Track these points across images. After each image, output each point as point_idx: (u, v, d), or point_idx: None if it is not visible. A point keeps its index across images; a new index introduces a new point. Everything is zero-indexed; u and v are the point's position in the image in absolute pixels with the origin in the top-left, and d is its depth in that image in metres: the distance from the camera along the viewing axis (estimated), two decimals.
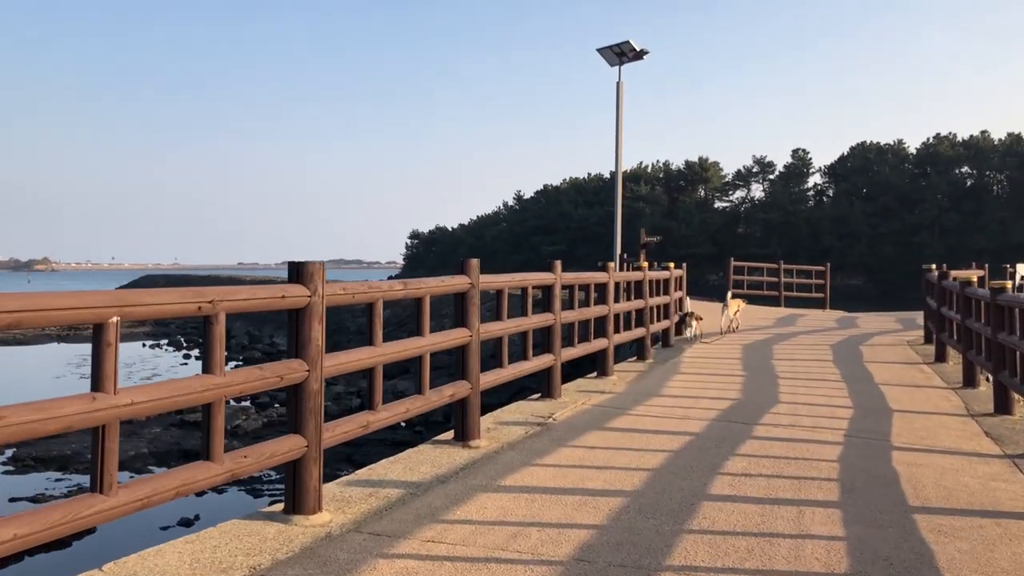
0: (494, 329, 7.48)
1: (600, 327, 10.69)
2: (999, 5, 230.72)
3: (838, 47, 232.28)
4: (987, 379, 10.33)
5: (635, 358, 12.68)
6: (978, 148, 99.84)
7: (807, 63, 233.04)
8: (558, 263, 9.23)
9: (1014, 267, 29.03)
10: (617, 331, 11.28)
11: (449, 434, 6.99)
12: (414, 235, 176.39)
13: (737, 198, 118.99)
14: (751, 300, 25.86)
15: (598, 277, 10.53)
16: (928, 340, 14.76)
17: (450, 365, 7.75)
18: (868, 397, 9.61)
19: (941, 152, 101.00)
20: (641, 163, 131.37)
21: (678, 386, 10.23)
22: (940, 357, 12.75)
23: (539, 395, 8.96)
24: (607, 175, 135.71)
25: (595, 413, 8.23)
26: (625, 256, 23.14)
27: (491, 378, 7.33)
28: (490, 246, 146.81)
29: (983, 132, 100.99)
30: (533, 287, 8.61)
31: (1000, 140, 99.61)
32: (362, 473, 5.92)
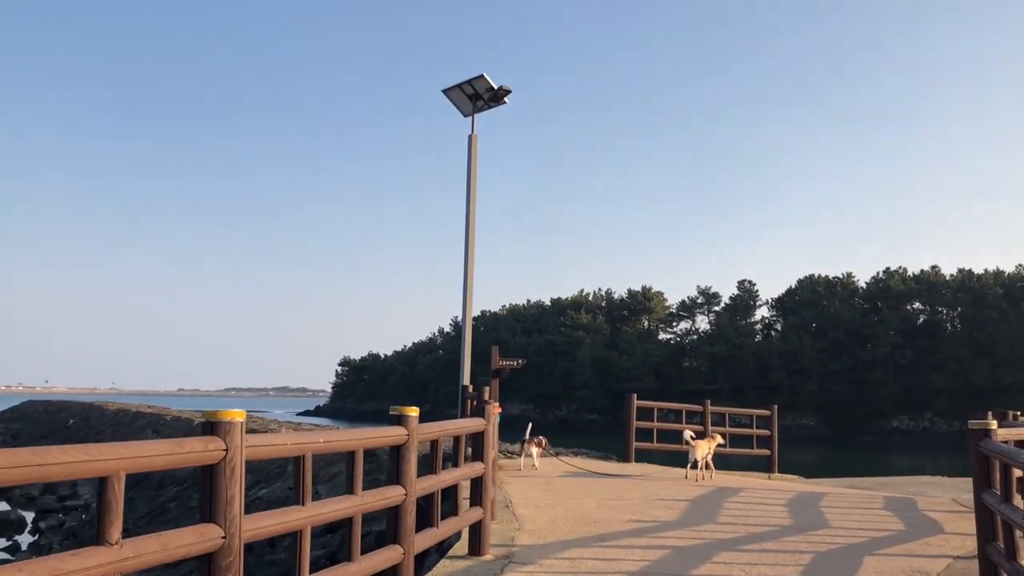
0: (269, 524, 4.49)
1: None
2: (938, 140, 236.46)
3: (782, 176, 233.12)
4: None
5: None
6: (929, 283, 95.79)
7: (752, 192, 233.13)
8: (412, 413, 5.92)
9: None
10: None
11: None
12: (344, 362, 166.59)
13: (682, 329, 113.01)
14: (658, 458, 17.81)
15: None
16: None
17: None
18: None
19: (891, 287, 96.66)
20: (582, 290, 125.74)
21: None
22: None
23: None
24: (547, 302, 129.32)
25: None
26: (471, 389, 15.13)
27: None
28: (423, 375, 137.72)
29: (933, 267, 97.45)
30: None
31: (951, 276, 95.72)
32: None
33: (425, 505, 7.45)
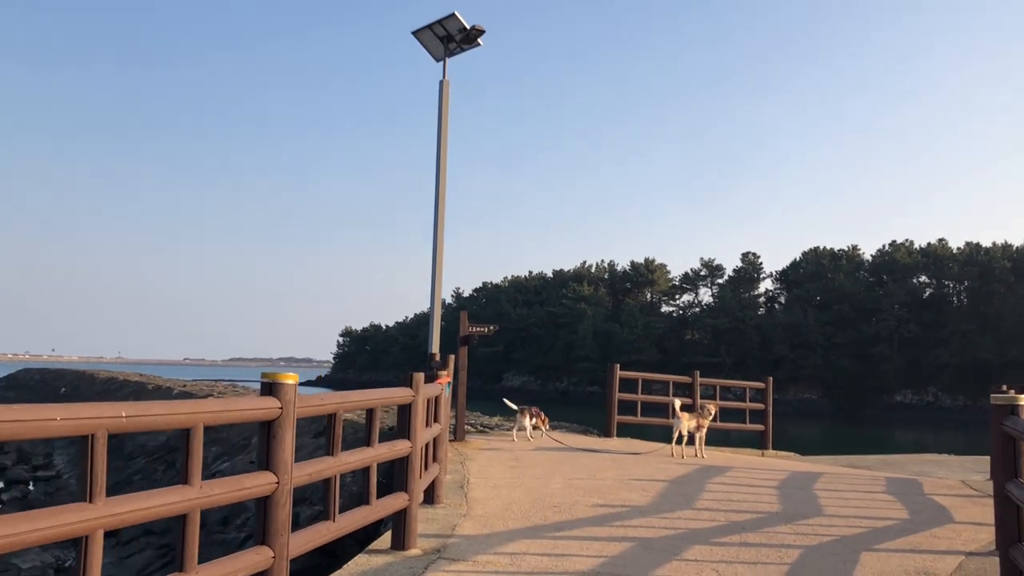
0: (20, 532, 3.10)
1: None
2: (945, 111, 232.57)
3: (787, 148, 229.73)
4: None
5: None
6: (936, 256, 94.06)
7: (755, 165, 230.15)
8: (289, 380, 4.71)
9: None
10: None
11: None
12: (346, 333, 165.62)
13: (684, 302, 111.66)
14: (651, 433, 16.58)
15: None
16: None
17: None
18: None
19: (897, 259, 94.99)
20: (584, 262, 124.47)
21: None
22: None
23: None
24: (549, 274, 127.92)
25: None
26: (437, 357, 13.92)
27: None
28: (424, 345, 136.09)
29: (940, 240, 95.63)
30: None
31: (959, 248, 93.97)
32: None
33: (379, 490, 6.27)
